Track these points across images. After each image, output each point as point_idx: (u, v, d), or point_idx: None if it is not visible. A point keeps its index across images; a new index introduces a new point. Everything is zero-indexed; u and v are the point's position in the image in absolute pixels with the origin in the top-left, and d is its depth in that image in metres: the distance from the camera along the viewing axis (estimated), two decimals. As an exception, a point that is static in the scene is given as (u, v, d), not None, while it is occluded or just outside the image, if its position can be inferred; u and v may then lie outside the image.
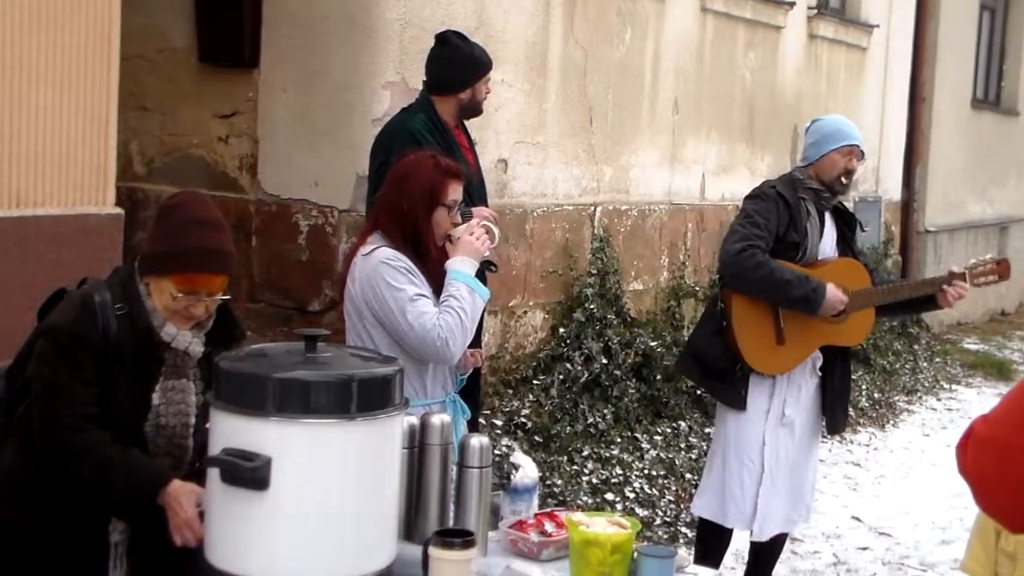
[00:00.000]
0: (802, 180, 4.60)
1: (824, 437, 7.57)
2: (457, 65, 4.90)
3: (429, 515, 3.04)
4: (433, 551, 2.58)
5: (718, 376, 4.60)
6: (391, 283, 3.53)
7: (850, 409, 8.11)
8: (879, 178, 11.32)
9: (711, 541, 4.69)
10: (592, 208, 7.22)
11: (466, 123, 5.08)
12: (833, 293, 4.43)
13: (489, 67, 4.99)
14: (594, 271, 6.99)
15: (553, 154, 6.89)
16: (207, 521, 2.59)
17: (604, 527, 3.18)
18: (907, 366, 10.00)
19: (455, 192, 3.67)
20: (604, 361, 6.63)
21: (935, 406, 9.41)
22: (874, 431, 8.37)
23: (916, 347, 10.55)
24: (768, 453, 4.56)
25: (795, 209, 4.52)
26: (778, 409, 4.57)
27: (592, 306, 6.78)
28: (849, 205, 10.39)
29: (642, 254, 7.68)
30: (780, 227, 4.50)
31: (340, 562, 2.47)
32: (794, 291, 4.41)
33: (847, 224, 4.74)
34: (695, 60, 8.18)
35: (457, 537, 2.62)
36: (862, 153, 4.65)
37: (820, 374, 4.65)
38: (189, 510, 2.82)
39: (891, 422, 8.71)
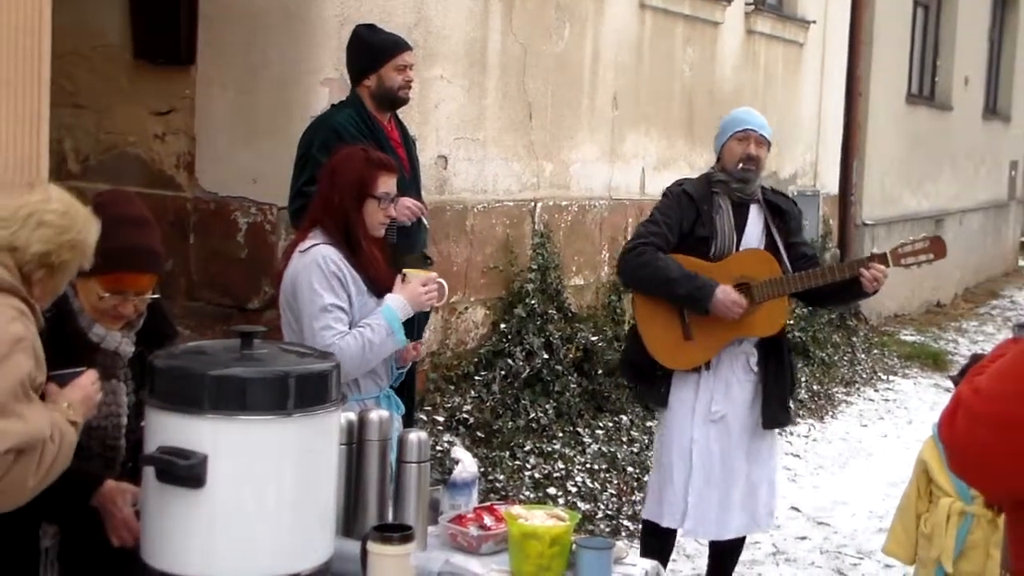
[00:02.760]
0: (713, 174, 4.64)
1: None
2: (361, 53, 4.92)
3: (368, 511, 3.04)
4: (371, 546, 2.59)
5: (643, 376, 4.62)
6: (313, 285, 3.57)
7: (790, 403, 8.26)
8: (817, 172, 11.45)
9: (653, 542, 4.65)
10: (532, 204, 7.24)
11: (401, 118, 5.08)
12: (724, 293, 4.39)
13: (392, 51, 4.90)
14: (535, 267, 7.01)
15: (493, 150, 6.90)
16: (143, 520, 2.58)
17: (543, 520, 3.20)
18: (845, 358, 10.12)
19: (386, 185, 3.70)
20: (545, 356, 6.66)
21: (872, 397, 9.54)
22: (813, 423, 8.46)
23: (854, 339, 10.68)
24: (698, 450, 4.54)
25: (703, 204, 4.53)
26: (705, 405, 4.54)
27: (533, 301, 6.80)
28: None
29: (583, 249, 7.72)
30: (685, 223, 4.51)
31: (277, 559, 2.47)
32: (679, 289, 4.41)
33: (780, 215, 4.70)
34: (634, 56, 8.23)
35: (396, 532, 2.62)
36: (764, 139, 4.61)
37: (756, 370, 4.62)
38: (125, 509, 2.80)
39: (830, 413, 8.81)
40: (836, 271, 4.59)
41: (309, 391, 2.53)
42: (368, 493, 3.05)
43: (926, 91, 14.66)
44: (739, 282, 4.50)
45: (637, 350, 4.58)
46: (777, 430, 4.80)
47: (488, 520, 3.32)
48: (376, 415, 3.09)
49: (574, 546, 3.17)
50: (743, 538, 4.82)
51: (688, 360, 4.53)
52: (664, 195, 4.69)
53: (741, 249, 4.57)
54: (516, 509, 3.27)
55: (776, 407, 4.64)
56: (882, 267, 4.48)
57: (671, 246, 4.50)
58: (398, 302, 3.65)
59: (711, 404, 4.55)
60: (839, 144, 11.90)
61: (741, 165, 4.56)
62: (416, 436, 3.14)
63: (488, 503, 3.50)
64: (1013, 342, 2.36)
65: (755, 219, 4.64)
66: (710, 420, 4.55)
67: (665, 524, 4.61)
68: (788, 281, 4.51)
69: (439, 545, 3.15)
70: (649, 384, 4.61)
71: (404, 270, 3.76)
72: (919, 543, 4.05)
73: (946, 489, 3.83)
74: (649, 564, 3.35)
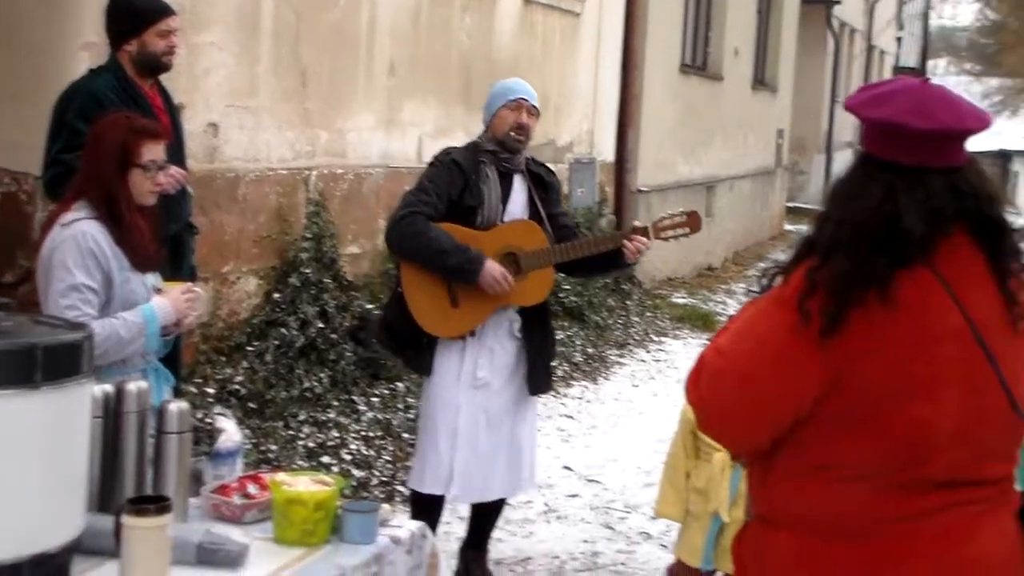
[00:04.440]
0: (481, 144, 4.68)
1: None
2: (121, 17, 4.78)
3: (125, 484, 3.00)
4: (126, 519, 2.55)
5: (408, 344, 4.64)
6: (67, 262, 3.47)
7: (555, 368, 8.45)
8: (593, 140, 11.71)
9: (422, 509, 4.68)
10: (307, 172, 7.19)
11: (168, 85, 4.98)
12: (493, 267, 4.46)
13: (155, 15, 4.77)
14: (309, 235, 6.97)
15: (266, 118, 6.83)
16: None
17: (307, 486, 3.22)
18: (619, 321, 10.42)
19: (151, 152, 3.62)
20: (320, 325, 6.64)
21: (644, 358, 9.87)
22: (587, 384, 8.71)
23: (628, 303, 11.00)
24: (463, 417, 4.60)
25: (471, 173, 4.58)
26: (470, 372, 4.60)
27: (308, 270, 6.76)
28: (563, 167, 10.75)
29: (359, 217, 7.72)
30: (453, 192, 4.55)
31: (22, 537, 2.42)
32: (449, 260, 4.45)
33: (542, 186, 4.79)
34: (411, 24, 8.24)
35: (152, 504, 2.61)
36: (535, 109, 4.68)
37: (519, 336, 4.70)
38: None
39: (603, 375, 9.08)
40: (600, 243, 4.71)
41: (58, 363, 2.47)
42: (126, 466, 3.00)
43: (698, 62, 15.11)
44: (507, 252, 4.58)
45: (402, 317, 4.60)
46: (541, 394, 4.92)
47: (252, 489, 3.31)
48: (135, 386, 3.05)
49: (340, 510, 3.22)
50: (503, 499, 4.93)
51: (454, 328, 4.58)
52: (432, 163, 4.71)
53: (506, 219, 4.63)
54: (281, 476, 3.29)
55: (541, 373, 4.75)
56: (644, 239, 4.64)
57: (439, 215, 4.53)
58: (163, 308, 3.60)
59: (476, 371, 4.61)
60: (615, 113, 12.17)
61: (513, 134, 4.62)
62: (176, 406, 3.12)
63: (252, 472, 3.50)
64: (751, 304, 2.50)
65: (519, 189, 4.71)
66: (474, 386, 4.61)
67: (428, 491, 4.65)
68: (555, 251, 4.61)
69: (201, 516, 3.13)
70: (415, 351, 4.65)
71: (162, 283, 3.70)
72: (690, 498, 4.24)
73: (716, 445, 3.98)
74: (415, 525, 3.42)
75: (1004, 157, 48.45)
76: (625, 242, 4.63)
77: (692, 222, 4.79)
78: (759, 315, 2.36)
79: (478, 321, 4.60)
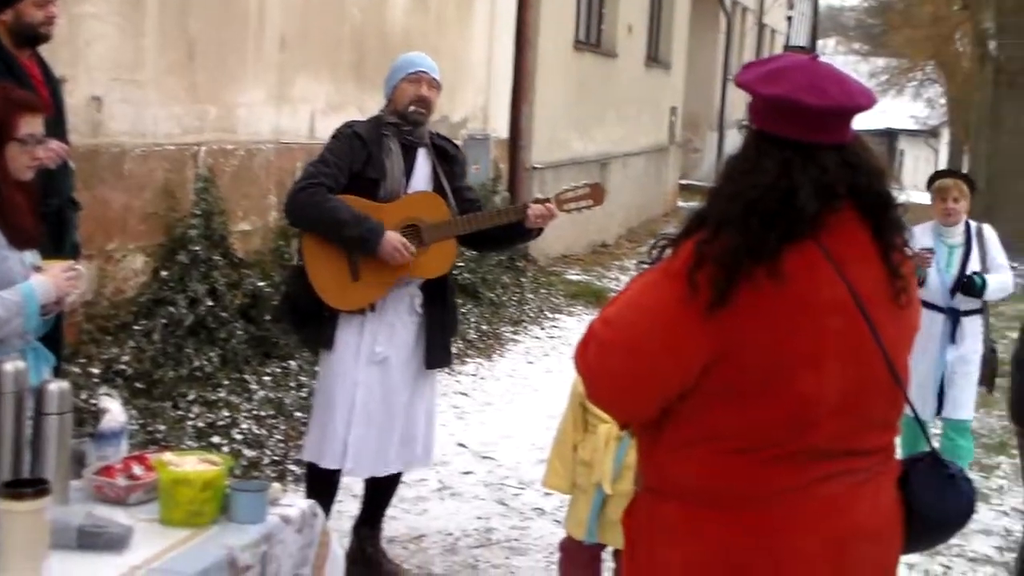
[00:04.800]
0: (383, 117, 4.66)
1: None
2: None
3: (1, 467, 2.93)
4: (1, 503, 2.49)
5: (309, 318, 4.60)
6: None
7: (453, 344, 8.44)
8: (487, 117, 11.69)
9: (317, 484, 4.67)
10: (196, 148, 7.06)
11: (47, 57, 4.84)
12: (393, 237, 4.43)
13: None
14: (199, 212, 6.85)
15: (152, 92, 6.67)
16: None
17: (194, 465, 3.17)
18: (514, 298, 10.45)
19: (29, 126, 3.51)
20: (210, 303, 6.53)
21: (539, 335, 9.91)
22: (481, 361, 8.72)
23: (523, 280, 11.03)
24: (360, 392, 4.58)
25: (373, 146, 4.55)
26: (369, 346, 4.58)
27: (197, 248, 6.64)
28: (459, 143, 10.73)
29: (249, 193, 7.60)
30: (355, 165, 4.52)
31: None
32: (348, 231, 4.42)
33: (447, 159, 4.77)
34: (302, -3, 8.13)
35: (29, 487, 2.54)
36: (436, 82, 4.67)
37: (420, 312, 4.67)
38: None
39: (497, 352, 9.10)
40: (503, 214, 4.71)
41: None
42: (1, 449, 2.93)
43: (592, 39, 15.16)
44: (408, 224, 4.56)
45: (302, 292, 4.55)
46: (439, 370, 4.91)
47: (138, 470, 3.26)
48: (11, 366, 2.97)
49: (228, 490, 3.17)
50: (399, 475, 4.92)
51: (355, 301, 4.55)
52: (334, 136, 4.66)
53: (410, 192, 4.62)
54: (167, 456, 3.23)
55: (439, 348, 4.73)
56: (550, 205, 4.61)
57: (341, 187, 4.50)
58: (41, 283, 3.49)
59: (375, 346, 4.59)
60: (509, 89, 12.17)
61: (413, 107, 4.60)
62: (56, 386, 3.05)
63: (139, 453, 3.44)
64: (640, 275, 2.51)
65: (423, 162, 4.69)
66: (373, 361, 4.59)
67: (326, 465, 4.62)
68: (457, 223, 4.59)
69: (83, 499, 3.07)
70: (315, 326, 4.61)
71: (41, 261, 3.59)
72: (577, 471, 4.26)
73: (603, 417, 4.01)
74: (306, 504, 3.39)
75: (890, 135, 49.66)
76: (528, 211, 4.61)
77: (595, 194, 4.77)
78: (648, 287, 2.37)
79: (379, 294, 4.57)
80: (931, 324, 5.96)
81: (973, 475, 6.67)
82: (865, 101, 2.34)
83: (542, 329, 10.11)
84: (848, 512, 2.36)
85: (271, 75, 7.85)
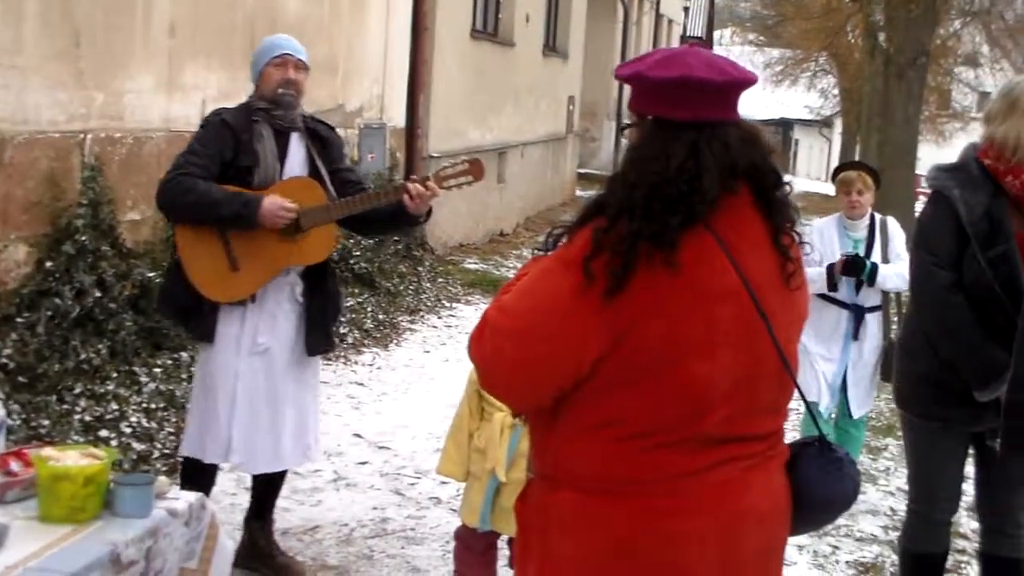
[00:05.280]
0: (253, 103, 4.56)
1: (329, 361, 7.76)
2: None
3: None
4: None
5: (189, 311, 4.50)
6: None
7: (345, 334, 8.39)
8: (383, 105, 11.60)
9: (194, 479, 4.53)
10: (82, 135, 6.88)
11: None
12: (271, 202, 4.33)
13: None
14: (85, 201, 6.66)
15: (34, 78, 6.48)
16: None
17: (76, 460, 3.09)
18: (411, 287, 10.40)
19: None
20: (98, 294, 6.37)
21: (436, 324, 9.87)
22: (378, 351, 8.66)
23: (420, 269, 10.99)
24: (243, 384, 4.50)
25: (243, 133, 4.45)
26: (250, 337, 4.50)
27: (84, 238, 6.46)
28: (354, 132, 10.63)
29: (139, 182, 7.43)
30: (226, 153, 4.42)
31: None
32: (225, 209, 4.32)
33: (321, 142, 4.67)
34: (191, -18, 7.97)
35: None
36: (303, 64, 4.57)
37: (301, 301, 4.60)
38: None
39: (394, 341, 9.05)
40: (382, 195, 4.58)
41: None
42: None
43: (490, 27, 15.15)
44: None
45: (180, 286, 4.45)
46: (322, 360, 4.83)
47: (15, 466, 3.18)
48: None
49: (112, 484, 3.10)
50: (285, 471, 4.84)
51: (235, 292, 4.45)
52: (202, 125, 4.56)
53: (285, 177, 4.53)
54: (47, 451, 3.15)
55: (320, 334, 4.65)
56: (432, 184, 4.44)
57: (213, 176, 4.38)
58: None
59: (257, 336, 4.50)
60: (406, 78, 12.10)
61: (281, 90, 4.50)
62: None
63: (17, 448, 3.34)
64: (535, 262, 2.51)
65: (297, 147, 4.60)
66: (255, 352, 4.50)
67: (209, 460, 4.54)
68: (335, 207, 4.50)
69: (-42, 497, 2.98)
70: (196, 320, 4.50)
71: None
72: (472, 458, 4.25)
73: (499, 405, 4.00)
74: (194, 496, 3.34)
75: (785, 125, 50.54)
76: (407, 184, 4.48)
77: (474, 170, 4.64)
78: (543, 274, 2.37)
79: (259, 284, 4.48)
80: (837, 321, 6.02)
81: (862, 457, 6.81)
82: (753, 76, 2.41)
83: (439, 318, 10.08)
84: (740, 497, 2.39)
85: (160, 62, 7.68)
